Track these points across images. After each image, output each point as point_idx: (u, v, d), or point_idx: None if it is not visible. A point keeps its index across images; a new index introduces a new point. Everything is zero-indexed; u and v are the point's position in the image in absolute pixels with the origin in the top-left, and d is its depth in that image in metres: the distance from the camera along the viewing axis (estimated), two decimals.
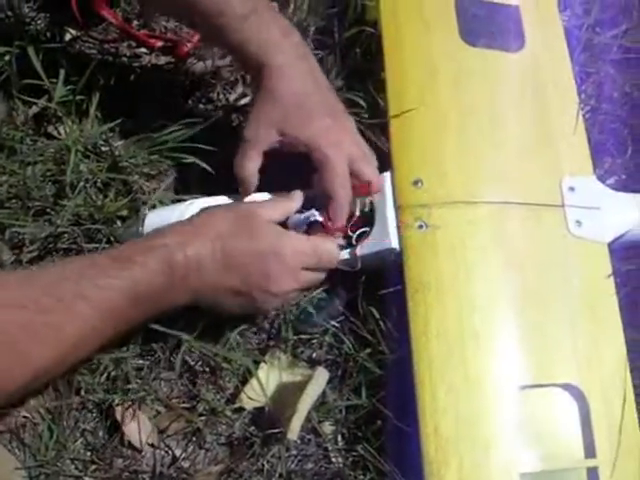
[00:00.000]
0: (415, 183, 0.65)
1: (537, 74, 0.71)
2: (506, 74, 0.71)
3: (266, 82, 0.63)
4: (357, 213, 0.65)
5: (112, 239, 0.70)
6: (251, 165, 0.64)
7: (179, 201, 0.68)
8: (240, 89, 0.82)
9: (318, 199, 0.65)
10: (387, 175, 0.66)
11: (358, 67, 0.78)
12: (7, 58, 0.71)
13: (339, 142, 0.63)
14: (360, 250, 0.64)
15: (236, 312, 0.63)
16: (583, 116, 0.70)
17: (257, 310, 0.64)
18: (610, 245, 0.64)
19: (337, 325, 0.68)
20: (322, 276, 0.64)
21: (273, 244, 0.60)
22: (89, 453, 0.65)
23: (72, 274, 0.54)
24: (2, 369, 0.50)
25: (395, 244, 0.63)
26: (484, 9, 0.73)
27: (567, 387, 0.58)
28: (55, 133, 0.71)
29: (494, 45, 0.71)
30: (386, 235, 0.64)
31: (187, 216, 0.65)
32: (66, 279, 0.54)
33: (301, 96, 0.63)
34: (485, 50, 0.71)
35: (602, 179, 0.68)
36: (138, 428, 0.64)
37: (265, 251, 0.59)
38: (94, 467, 0.64)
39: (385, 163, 0.67)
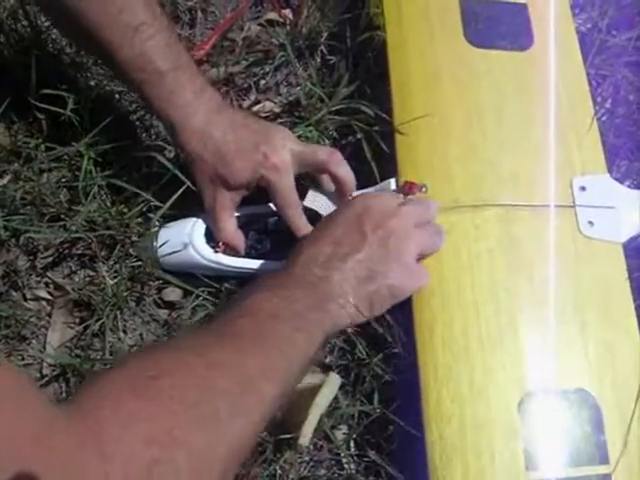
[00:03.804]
0: (420, 189, 0.64)
1: (546, 72, 0.70)
2: (514, 74, 0.70)
3: (189, 148, 0.64)
4: None
5: (127, 245, 0.70)
6: (228, 226, 0.66)
7: (189, 216, 0.69)
8: (254, 95, 0.83)
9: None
10: (392, 181, 0.66)
11: (370, 72, 0.78)
12: (23, 67, 0.72)
13: (276, 164, 0.63)
14: None
15: (405, 286, 0.59)
16: (596, 114, 0.69)
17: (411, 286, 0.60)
18: (625, 245, 0.63)
19: (350, 330, 0.67)
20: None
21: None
22: None
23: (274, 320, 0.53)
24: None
25: None
26: (490, 8, 0.72)
27: (579, 392, 0.57)
28: (70, 140, 0.72)
29: (501, 45, 0.71)
30: None
31: (199, 229, 0.67)
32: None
33: (225, 147, 0.63)
34: (491, 51, 0.70)
35: (617, 181, 0.67)
36: None
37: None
38: None
39: (389, 170, 0.67)
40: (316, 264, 0.57)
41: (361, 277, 0.57)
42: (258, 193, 0.66)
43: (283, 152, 0.64)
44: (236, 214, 0.67)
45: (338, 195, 0.67)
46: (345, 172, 0.65)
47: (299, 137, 0.74)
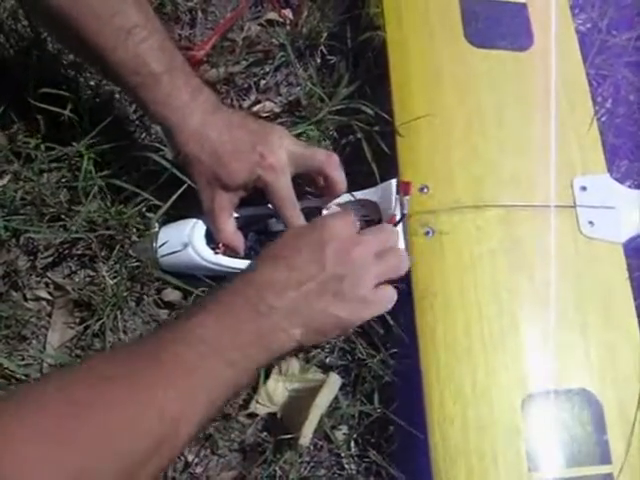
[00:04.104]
0: (421, 189, 0.64)
1: (546, 72, 0.70)
2: (514, 74, 0.70)
3: (186, 149, 0.63)
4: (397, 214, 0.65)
5: (126, 245, 0.70)
6: (227, 227, 0.66)
7: (188, 216, 0.69)
8: (254, 96, 0.83)
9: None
10: (393, 182, 0.66)
11: (370, 72, 0.78)
12: (23, 67, 0.72)
13: (272, 164, 0.63)
14: None
15: (352, 320, 0.59)
16: (596, 115, 0.69)
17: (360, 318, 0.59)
18: (625, 245, 0.63)
19: (350, 330, 0.67)
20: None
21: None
22: None
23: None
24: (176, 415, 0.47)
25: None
26: (490, 8, 0.73)
27: (581, 392, 0.57)
28: (69, 140, 0.72)
29: (501, 45, 0.71)
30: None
31: (199, 230, 0.67)
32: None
33: (221, 148, 0.63)
34: (492, 50, 0.70)
35: (617, 181, 0.67)
36: None
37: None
38: None
39: (391, 170, 0.67)
40: (271, 291, 0.55)
41: (312, 307, 0.56)
42: (257, 194, 0.66)
43: (280, 152, 0.63)
44: (235, 215, 0.67)
45: (326, 195, 0.68)
46: (340, 176, 0.65)
47: (299, 135, 0.74)
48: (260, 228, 0.69)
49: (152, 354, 0.49)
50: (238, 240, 0.67)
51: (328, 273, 0.56)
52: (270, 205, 0.66)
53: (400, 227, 0.63)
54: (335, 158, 0.65)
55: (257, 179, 0.64)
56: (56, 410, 0.42)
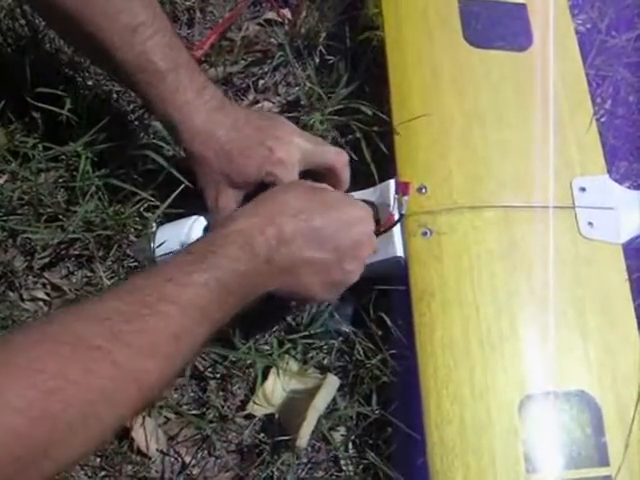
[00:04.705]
0: (419, 190, 0.64)
1: (546, 72, 0.69)
2: (513, 74, 0.69)
3: (192, 148, 0.63)
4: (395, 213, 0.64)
5: (124, 245, 0.70)
6: None
7: (186, 215, 0.68)
8: (252, 95, 0.83)
9: None
10: (391, 182, 0.65)
11: (369, 72, 0.78)
12: (21, 66, 0.72)
13: (282, 159, 0.62)
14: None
15: (323, 296, 0.60)
16: (595, 115, 0.68)
17: (344, 284, 0.60)
18: (624, 246, 0.62)
19: (348, 331, 0.67)
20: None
21: (350, 211, 0.59)
22: (98, 459, 0.65)
23: (153, 279, 0.49)
24: (112, 389, 0.43)
25: (400, 252, 0.62)
26: (489, 8, 0.72)
27: (579, 394, 0.57)
28: (67, 140, 0.72)
29: (500, 45, 0.70)
30: (391, 243, 0.63)
31: (196, 229, 0.66)
32: (145, 286, 0.48)
33: (229, 145, 0.63)
34: (490, 51, 0.70)
35: (616, 182, 0.67)
36: (148, 435, 0.64)
37: (347, 218, 0.58)
38: (103, 473, 0.64)
39: (389, 170, 0.67)
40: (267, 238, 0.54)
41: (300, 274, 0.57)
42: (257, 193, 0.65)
43: (289, 147, 0.63)
44: None
45: None
46: (346, 175, 0.66)
47: (304, 127, 0.73)
48: None
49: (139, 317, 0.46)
50: None
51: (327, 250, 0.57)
52: None
53: (398, 227, 0.63)
54: (345, 157, 0.65)
55: (266, 175, 0.63)
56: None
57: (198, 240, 0.57)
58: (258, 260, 0.53)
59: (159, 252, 0.67)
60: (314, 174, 0.67)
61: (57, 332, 0.43)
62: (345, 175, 0.66)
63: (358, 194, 0.67)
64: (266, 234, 0.54)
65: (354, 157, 0.71)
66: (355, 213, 0.60)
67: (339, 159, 0.65)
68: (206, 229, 0.67)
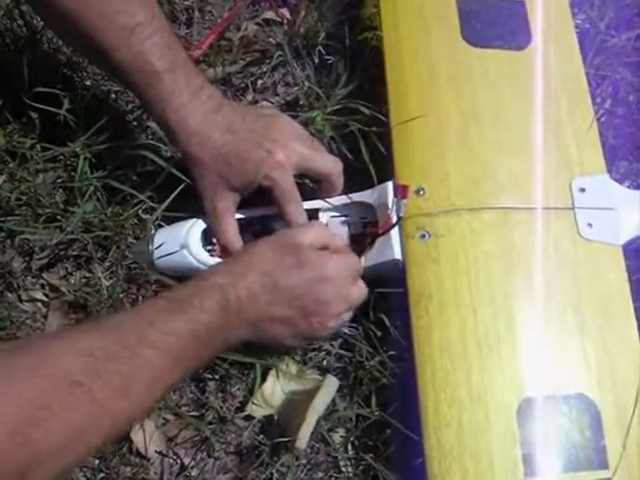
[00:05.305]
0: (417, 192, 0.63)
1: (545, 71, 0.69)
2: (511, 73, 0.69)
3: (187, 149, 0.63)
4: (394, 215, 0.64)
5: (122, 246, 0.70)
6: (229, 230, 0.66)
7: (184, 219, 0.68)
8: (251, 95, 0.82)
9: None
10: (389, 184, 0.65)
11: (368, 72, 0.77)
12: (19, 67, 0.72)
13: (280, 162, 0.63)
14: (364, 262, 0.64)
15: (293, 344, 0.62)
16: (595, 115, 0.68)
17: (313, 338, 0.64)
18: (624, 247, 0.62)
19: (347, 333, 0.67)
20: (366, 289, 0.64)
21: (320, 270, 0.60)
22: (97, 461, 0.64)
23: (135, 322, 0.53)
24: (88, 424, 0.46)
25: (398, 255, 0.62)
26: (487, 7, 0.72)
27: (579, 397, 0.56)
28: (65, 140, 0.71)
29: (498, 44, 0.70)
30: (389, 246, 0.63)
31: (195, 232, 0.66)
32: (127, 326, 0.52)
33: (225, 148, 0.63)
34: (489, 49, 0.69)
35: (616, 182, 0.66)
36: (146, 436, 0.64)
37: (314, 278, 0.59)
38: (102, 475, 0.64)
39: (387, 172, 0.66)
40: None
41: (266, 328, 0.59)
42: (254, 195, 0.65)
43: (287, 150, 0.63)
44: (237, 216, 0.66)
45: (318, 193, 0.68)
46: (340, 183, 0.66)
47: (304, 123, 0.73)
48: (258, 230, 0.68)
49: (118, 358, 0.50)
50: (238, 242, 0.66)
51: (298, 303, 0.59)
52: (269, 207, 0.66)
53: (396, 230, 0.63)
54: (340, 166, 0.66)
55: (264, 178, 0.63)
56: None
57: (181, 286, 0.58)
58: (231, 314, 0.56)
59: (157, 254, 0.67)
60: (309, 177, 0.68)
61: (46, 365, 0.45)
62: (339, 183, 0.66)
63: (356, 196, 0.67)
64: (238, 288, 0.57)
65: (351, 157, 0.71)
66: (330, 271, 0.60)
67: (335, 168, 0.66)
68: (204, 232, 0.67)
